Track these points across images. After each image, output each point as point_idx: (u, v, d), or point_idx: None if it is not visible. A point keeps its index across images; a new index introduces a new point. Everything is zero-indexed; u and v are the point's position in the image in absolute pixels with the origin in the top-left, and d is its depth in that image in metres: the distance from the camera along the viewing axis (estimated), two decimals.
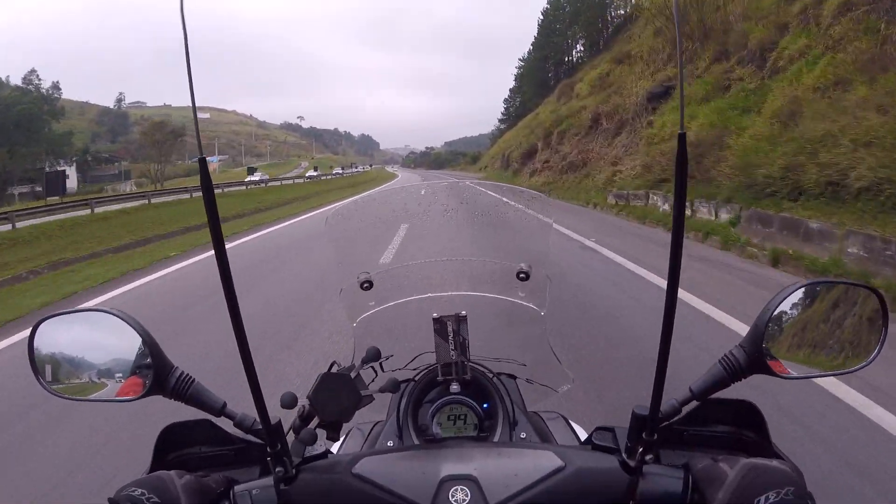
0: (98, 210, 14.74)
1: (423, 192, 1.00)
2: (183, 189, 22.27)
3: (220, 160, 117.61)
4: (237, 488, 0.57)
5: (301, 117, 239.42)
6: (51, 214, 13.92)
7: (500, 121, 73.45)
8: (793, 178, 5.96)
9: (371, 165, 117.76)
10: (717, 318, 3.55)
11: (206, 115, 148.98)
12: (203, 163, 0.44)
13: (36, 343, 0.58)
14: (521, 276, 0.85)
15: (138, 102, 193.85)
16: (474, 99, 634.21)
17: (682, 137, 0.42)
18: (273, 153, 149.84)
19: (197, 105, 0.44)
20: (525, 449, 0.62)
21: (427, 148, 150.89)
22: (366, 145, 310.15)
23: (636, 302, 4.18)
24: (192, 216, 12.56)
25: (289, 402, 0.61)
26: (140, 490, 0.49)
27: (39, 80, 54.36)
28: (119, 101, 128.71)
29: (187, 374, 0.57)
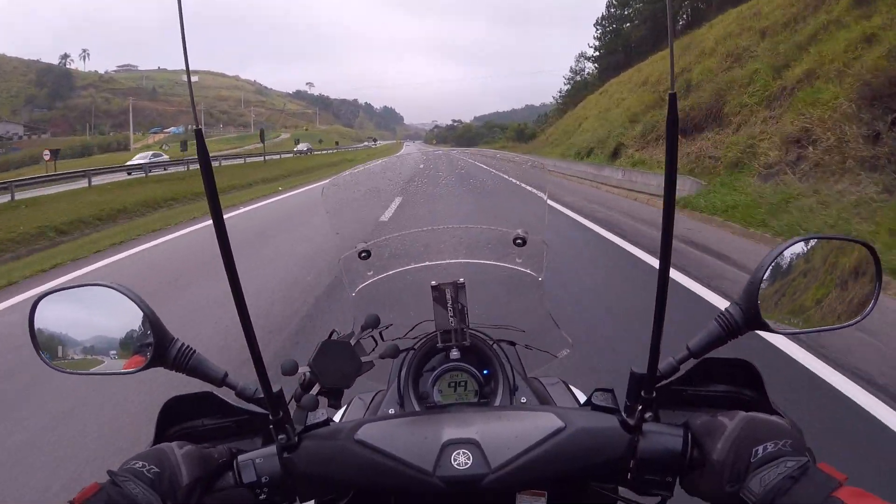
0: None
1: (420, 166, 1.06)
2: None
3: (165, 132, 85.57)
4: (240, 458, 0.61)
5: (310, 83, 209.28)
6: None
7: (593, 58, 39.50)
8: None
9: (375, 142, 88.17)
10: None
11: (195, 79, 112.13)
12: (199, 134, 0.46)
13: (36, 319, 0.62)
14: (518, 241, 0.88)
15: (128, 66, 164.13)
16: (507, 72, 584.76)
17: (672, 98, 0.45)
18: (264, 123, 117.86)
19: (191, 69, 0.47)
20: (525, 411, 0.66)
21: (454, 121, 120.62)
22: (388, 119, 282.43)
23: None
24: None
25: (289, 368, 0.65)
26: (140, 462, 0.53)
27: None
28: (65, 57, 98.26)
29: (188, 346, 0.61)
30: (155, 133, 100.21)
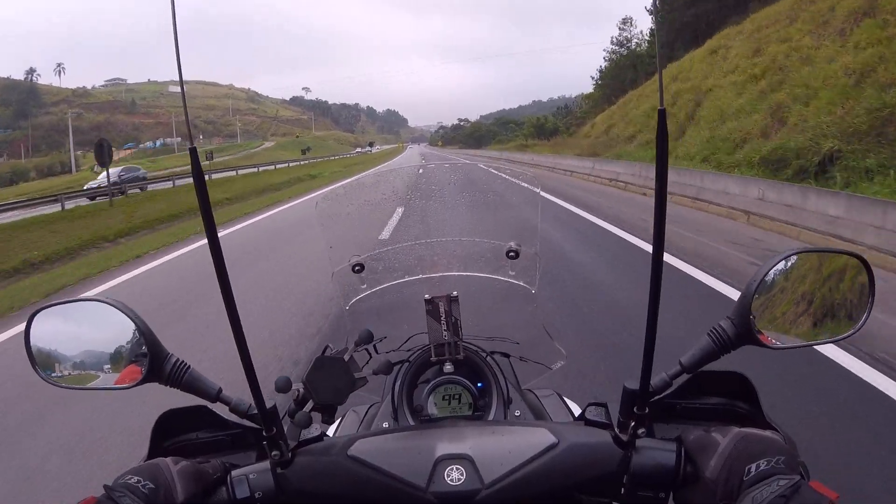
0: None
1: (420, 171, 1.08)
2: None
3: (141, 147, 76.01)
4: (234, 473, 0.62)
5: (306, 88, 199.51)
6: None
7: (659, 12, 23.11)
8: None
9: (372, 146, 79.30)
10: None
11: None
12: (193, 152, 0.49)
13: (32, 334, 0.63)
14: (511, 254, 0.89)
15: (116, 79, 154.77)
16: (510, 70, 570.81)
17: (661, 113, 0.47)
18: (254, 132, 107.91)
19: (183, 79, 0.48)
20: (518, 426, 0.68)
21: (460, 120, 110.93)
22: (391, 122, 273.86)
23: None
24: None
25: (283, 385, 0.67)
26: (136, 477, 0.54)
27: None
28: (31, 72, 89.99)
29: (182, 361, 0.62)
30: (129, 148, 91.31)
